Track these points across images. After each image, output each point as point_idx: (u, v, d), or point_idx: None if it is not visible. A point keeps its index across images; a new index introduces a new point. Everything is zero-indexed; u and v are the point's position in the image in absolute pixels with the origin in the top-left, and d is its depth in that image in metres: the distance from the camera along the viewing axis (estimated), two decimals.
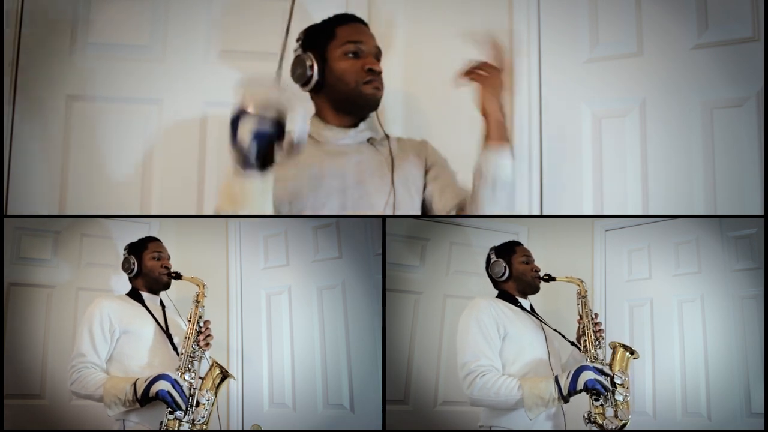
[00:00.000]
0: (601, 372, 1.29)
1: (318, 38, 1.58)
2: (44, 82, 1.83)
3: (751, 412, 1.52)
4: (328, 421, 1.64)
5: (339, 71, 1.54)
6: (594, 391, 1.27)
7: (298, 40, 1.60)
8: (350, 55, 1.54)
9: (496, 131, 1.53)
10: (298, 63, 1.57)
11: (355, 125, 1.60)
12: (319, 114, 1.60)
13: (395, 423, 1.57)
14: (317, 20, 1.64)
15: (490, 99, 1.53)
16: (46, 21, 1.84)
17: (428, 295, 1.73)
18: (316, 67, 1.54)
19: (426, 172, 1.63)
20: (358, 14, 1.67)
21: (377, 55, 1.58)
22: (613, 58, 1.77)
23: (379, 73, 1.56)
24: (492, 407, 1.34)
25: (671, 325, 1.69)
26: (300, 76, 1.56)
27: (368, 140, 1.61)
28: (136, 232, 1.55)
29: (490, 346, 1.36)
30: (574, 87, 1.82)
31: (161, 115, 1.88)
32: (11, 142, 1.79)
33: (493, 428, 1.35)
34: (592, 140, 1.80)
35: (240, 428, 1.67)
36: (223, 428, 1.56)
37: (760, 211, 1.55)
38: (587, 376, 1.27)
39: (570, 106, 1.82)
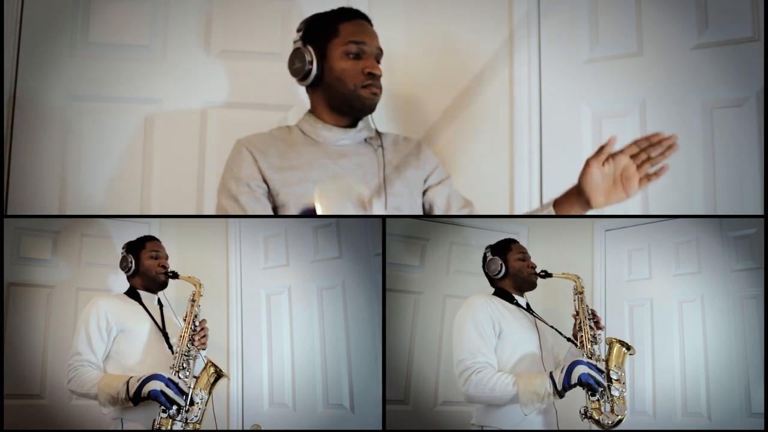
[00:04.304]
0: (596, 367, 1.30)
1: (320, 32, 1.54)
2: (44, 82, 1.83)
3: (751, 412, 1.52)
4: (328, 421, 1.64)
5: (338, 71, 1.51)
6: (588, 385, 1.28)
7: (298, 31, 1.56)
8: (351, 55, 1.51)
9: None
10: (296, 56, 1.54)
11: (352, 125, 1.58)
12: (314, 111, 1.59)
13: (395, 423, 1.56)
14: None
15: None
16: (46, 21, 1.84)
17: (428, 295, 1.73)
18: (315, 63, 1.52)
19: (427, 176, 1.62)
20: None
21: (378, 56, 1.55)
22: (613, 58, 1.77)
23: (379, 76, 1.53)
24: (487, 404, 1.34)
25: (671, 325, 1.69)
26: (298, 70, 1.54)
27: (366, 140, 1.60)
28: (136, 232, 1.55)
29: (486, 344, 1.37)
30: (574, 87, 1.82)
31: (161, 115, 1.88)
32: (11, 142, 1.79)
33: (484, 428, 1.35)
34: (592, 140, 1.80)
35: (240, 428, 1.67)
36: (222, 428, 1.56)
37: (760, 211, 1.55)
38: (581, 370, 1.28)
39: (570, 106, 1.82)
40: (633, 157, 1.42)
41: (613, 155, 1.43)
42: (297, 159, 1.52)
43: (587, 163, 1.43)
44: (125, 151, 1.87)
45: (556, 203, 1.51)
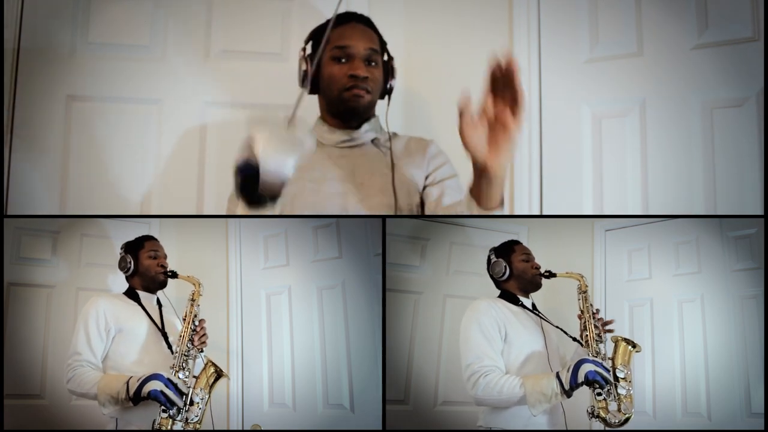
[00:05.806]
0: (602, 365, 1.30)
1: (317, 40, 1.59)
2: (44, 82, 1.83)
3: (751, 412, 1.52)
4: (328, 421, 1.64)
5: (327, 76, 1.55)
6: (595, 383, 1.28)
7: (306, 42, 1.61)
8: (340, 60, 1.53)
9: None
10: (300, 66, 1.59)
11: (356, 127, 1.60)
12: (321, 115, 1.63)
13: (395, 423, 1.56)
14: (327, 16, 1.65)
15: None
16: (46, 21, 1.84)
17: (428, 295, 1.73)
18: (309, 71, 1.55)
19: (431, 171, 1.62)
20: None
21: (369, 57, 1.55)
22: (613, 58, 1.77)
23: (365, 78, 1.53)
24: (496, 406, 1.34)
25: (671, 325, 1.69)
26: (300, 79, 1.59)
27: (372, 141, 1.61)
28: (136, 232, 1.55)
29: (492, 347, 1.37)
30: (574, 87, 1.82)
31: (161, 115, 1.88)
32: (11, 142, 1.79)
33: (492, 429, 1.35)
34: (592, 140, 1.80)
35: (240, 428, 1.67)
36: (222, 428, 1.56)
37: (760, 211, 1.55)
38: (587, 368, 1.28)
39: (570, 106, 1.82)
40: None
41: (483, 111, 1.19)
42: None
43: (460, 133, 1.19)
44: (125, 151, 1.87)
45: (471, 191, 1.29)
